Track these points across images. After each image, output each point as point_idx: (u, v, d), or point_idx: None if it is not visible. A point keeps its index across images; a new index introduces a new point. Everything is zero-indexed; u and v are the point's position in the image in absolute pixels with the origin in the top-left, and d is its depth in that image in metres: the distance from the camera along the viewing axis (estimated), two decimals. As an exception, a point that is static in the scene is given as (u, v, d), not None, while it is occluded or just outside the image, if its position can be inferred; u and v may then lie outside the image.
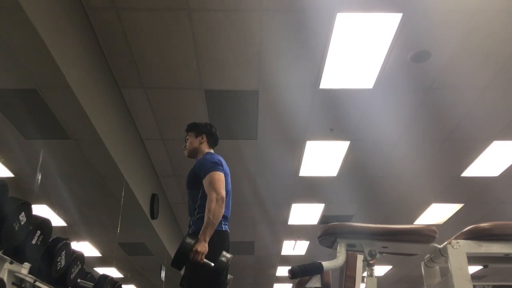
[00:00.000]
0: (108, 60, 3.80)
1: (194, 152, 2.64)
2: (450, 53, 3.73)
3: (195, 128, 2.69)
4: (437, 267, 1.96)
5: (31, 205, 2.74)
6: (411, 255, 1.92)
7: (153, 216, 5.52)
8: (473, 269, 1.93)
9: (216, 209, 2.26)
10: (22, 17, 2.55)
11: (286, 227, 7.55)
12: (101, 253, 7.94)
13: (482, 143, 5.05)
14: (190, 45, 3.62)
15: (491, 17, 3.36)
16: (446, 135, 4.91)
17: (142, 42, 3.60)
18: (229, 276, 2.49)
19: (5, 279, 2.63)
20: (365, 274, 1.77)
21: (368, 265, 1.77)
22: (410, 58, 3.77)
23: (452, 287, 1.60)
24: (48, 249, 3.06)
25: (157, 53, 3.71)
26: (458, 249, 1.66)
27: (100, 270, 6.52)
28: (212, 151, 2.67)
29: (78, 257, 3.53)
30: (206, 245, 2.18)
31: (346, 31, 3.47)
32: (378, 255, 1.78)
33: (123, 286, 4.93)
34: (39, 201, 5.69)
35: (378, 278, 1.78)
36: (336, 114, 4.55)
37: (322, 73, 3.94)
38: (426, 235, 1.78)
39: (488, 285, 1.77)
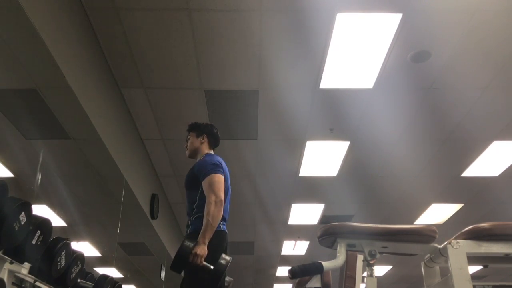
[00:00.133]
0: (108, 60, 3.80)
1: (195, 152, 2.65)
2: (450, 53, 3.73)
3: (197, 128, 2.70)
4: (437, 267, 1.96)
5: (31, 205, 2.74)
6: (411, 255, 1.92)
7: (153, 216, 5.52)
8: (473, 269, 1.93)
9: (215, 211, 2.26)
10: (22, 17, 2.55)
11: (286, 227, 7.55)
12: (101, 253, 7.94)
13: (482, 143, 5.05)
14: (190, 45, 3.62)
15: (491, 17, 3.36)
16: (446, 135, 4.91)
17: (142, 42, 3.60)
18: (228, 279, 2.49)
19: (5, 279, 2.63)
20: (365, 274, 1.77)
21: (368, 265, 1.77)
22: (410, 58, 3.77)
23: (452, 287, 1.60)
24: (48, 249, 3.06)
25: (157, 53, 3.71)
26: (458, 249, 1.66)
27: (100, 270, 6.51)
28: (212, 152, 2.67)
29: (78, 257, 3.53)
30: (206, 248, 2.18)
31: (346, 31, 3.47)
32: (378, 255, 1.78)
33: (123, 286, 4.93)
34: (39, 201, 5.68)
35: (378, 278, 1.78)
36: (336, 114, 4.55)
37: (322, 73, 3.94)
38: (426, 235, 1.78)
39: (488, 285, 1.77)
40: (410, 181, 5.97)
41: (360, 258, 1.76)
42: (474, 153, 5.25)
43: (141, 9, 3.28)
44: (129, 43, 3.60)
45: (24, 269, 2.88)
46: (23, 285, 2.89)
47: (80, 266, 3.57)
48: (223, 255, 2.25)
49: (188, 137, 2.70)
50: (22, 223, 2.64)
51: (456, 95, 4.25)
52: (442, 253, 1.74)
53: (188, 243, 2.18)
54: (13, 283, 2.78)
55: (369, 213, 7.02)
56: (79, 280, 3.66)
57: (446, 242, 1.70)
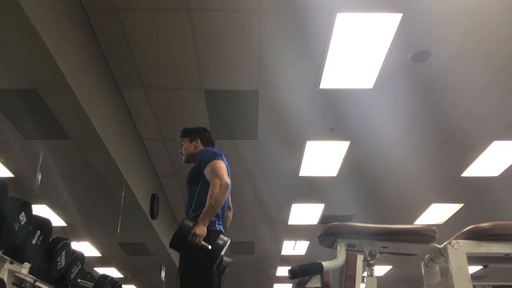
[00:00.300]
0: (108, 60, 3.80)
1: (191, 157, 2.66)
2: (450, 53, 3.73)
3: (189, 133, 2.71)
4: (437, 267, 1.96)
5: (31, 205, 2.74)
6: (411, 255, 1.92)
7: (153, 216, 5.53)
8: (473, 269, 1.93)
9: (219, 193, 2.25)
10: (22, 17, 2.55)
11: (286, 227, 7.55)
12: (101, 253, 7.94)
13: (482, 143, 5.05)
14: (190, 45, 3.62)
15: (491, 17, 3.36)
16: (446, 135, 4.91)
17: (142, 42, 3.60)
18: (227, 259, 2.49)
19: (5, 279, 2.63)
20: (365, 274, 1.77)
21: (368, 265, 1.76)
22: (410, 58, 3.77)
23: (452, 287, 1.60)
24: (48, 249, 3.06)
25: (157, 53, 3.71)
26: (458, 249, 1.65)
27: (100, 270, 6.51)
28: None
29: (78, 257, 3.53)
30: (205, 228, 2.19)
31: (346, 31, 3.47)
32: (378, 255, 1.78)
33: (123, 286, 4.93)
34: (39, 201, 5.68)
35: (378, 278, 1.78)
36: (336, 114, 4.55)
37: (322, 73, 3.94)
38: (426, 235, 1.78)
39: (488, 285, 1.77)
40: (410, 181, 5.97)
41: (360, 258, 1.76)
42: (474, 153, 5.25)
43: (141, 9, 3.28)
44: (129, 43, 3.60)
45: (24, 269, 2.88)
46: (23, 285, 2.89)
47: (80, 266, 3.57)
48: (221, 236, 2.26)
49: (182, 143, 2.72)
50: (22, 223, 2.64)
51: (456, 95, 4.25)
52: (442, 253, 1.74)
53: (188, 223, 2.19)
54: (13, 283, 2.78)
55: (369, 213, 7.02)
56: (79, 280, 3.65)
57: (446, 242, 1.70)
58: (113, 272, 8.21)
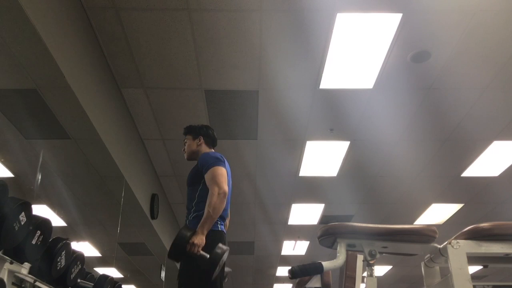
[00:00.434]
0: (108, 60, 3.80)
1: (193, 155, 2.65)
2: (450, 53, 3.73)
3: (192, 131, 2.71)
4: (437, 267, 1.96)
5: (31, 205, 2.73)
6: (411, 255, 1.92)
7: (153, 216, 5.53)
8: (473, 269, 1.93)
9: (217, 203, 2.25)
10: (22, 17, 2.55)
11: (286, 227, 7.55)
12: (101, 253, 7.94)
13: (482, 143, 5.06)
14: (190, 45, 3.62)
15: (491, 17, 3.36)
16: (446, 135, 4.91)
17: (142, 42, 3.60)
18: (226, 269, 2.49)
19: (5, 279, 2.63)
20: (365, 274, 1.77)
21: (368, 265, 1.76)
22: (410, 58, 3.77)
23: (452, 287, 1.60)
24: (48, 249, 3.06)
25: (157, 53, 3.71)
26: (458, 249, 1.65)
27: (100, 270, 6.51)
28: (213, 150, 2.68)
29: (78, 257, 3.53)
30: (204, 237, 2.18)
31: (346, 31, 3.47)
32: (378, 255, 1.78)
33: (123, 286, 4.93)
34: (39, 201, 5.68)
35: (378, 278, 1.78)
36: (336, 114, 4.55)
37: (322, 73, 3.94)
38: (426, 235, 1.78)
39: (488, 285, 1.77)
40: (410, 181, 5.97)
41: (360, 258, 1.76)
42: (474, 153, 5.26)
43: (141, 9, 3.28)
44: (129, 43, 3.60)
45: (24, 269, 2.88)
46: (23, 285, 2.89)
47: (80, 266, 3.57)
48: (220, 245, 2.25)
49: (185, 140, 2.71)
50: (22, 223, 2.64)
51: (456, 95, 4.25)
52: (442, 253, 1.74)
53: (186, 232, 2.18)
54: (13, 283, 2.78)
55: (369, 213, 7.02)
56: (79, 280, 3.65)
57: (446, 242, 1.70)
58: (113, 272, 8.21)
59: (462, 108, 4.44)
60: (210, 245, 2.22)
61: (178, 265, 2.35)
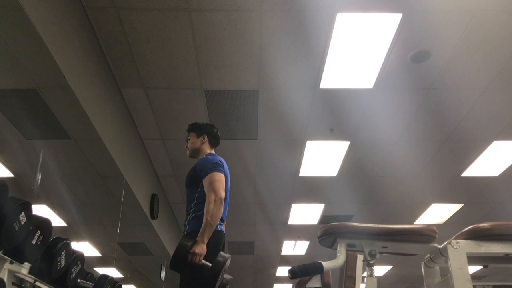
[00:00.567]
0: (108, 60, 3.80)
1: (196, 152, 2.65)
2: (450, 53, 3.73)
3: (197, 128, 2.70)
4: (437, 267, 1.96)
5: (31, 205, 2.73)
6: (411, 255, 1.92)
7: (153, 216, 5.52)
8: (473, 269, 1.93)
9: (214, 210, 2.25)
10: (22, 17, 2.55)
11: (286, 227, 7.55)
12: (101, 253, 7.94)
13: (482, 143, 5.06)
14: (190, 45, 3.62)
15: (491, 17, 3.36)
16: (446, 135, 4.91)
17: (142, 42, 3.60)
18: (227, 277, 2.49)
19: (5, 279, 2.63)
20: (365, 274, 1.77)
21: (368, 265, 1.76)
22: (410, 58, 3.77)
23: (452, 287, 1.60)
24: (48, 249, 3.06)
25: (157, 53, 3.71)
26: (458, 249, 1.66)
27: (100, 270, 6.51)
28: (213, 151, 2.67)
29: (78, 257, 3.53)
30: (204, 246, 2.17)
31: (346, 31, 3.47)
32: (378, 255, 1.78)
33: (123, 286, 4.92)
34: (39, 201, 5.68)
35: (378, 278, 1.78)
36: (336, 114, 4.55)
37: (322, 73, 3.94)
38: (426, 235, 1.78)
39: (488, 285, 1.77)
40: (410, 181, 5.97)
41: (360, 258, 1.76)
42: (474, 153, 5.26)
43: (141, 9, 3.28)
44: (129, 43, 3.60)
45: (24, 269, 2.88)
46: (23, 285, 2.89)
47: (80, 266, 3.57)
48: (221, 253, 2.24)
49: (188, 137, 2.70)
50: (22, 223, 2.64)
51: (456, 95, 4.25)
52: (442, 253, 1.74)
53: (186, 242, 2.17)
54: (13, 283, 2.78)
55: (369, 213, 7.02)
56: (79, 280, 3.65)
57: (446, 242, 1.70)
58: (113, 272, 8.21)
59: (462, 108, 4.44)
60: (211, 246, 2.22)
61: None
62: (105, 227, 6.76)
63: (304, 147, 5.16)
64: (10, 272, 2.72)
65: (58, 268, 3.19)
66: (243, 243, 8.12)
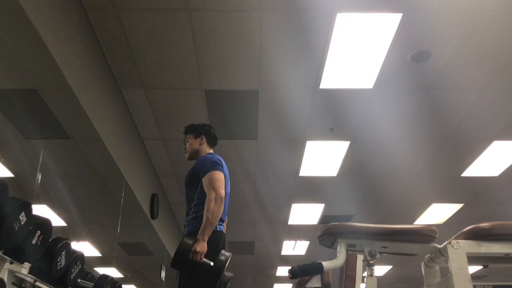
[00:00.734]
0: (108, 60, 3.80)
1: (195, 154, 2.64)
2: (450, 53, 3.73)
3: (194, 130, 2.69)
4: (437, 267, 1.96)
5: (31, 205, 2.74)
6: (411, 255, 1.92)
7: (153, 216, 5.52)
8: (473, 269, 1.93)
9: (215, 208, 2.25)
10: (22, 17, 2.55)
11: (286, 227, 7.55)
12: (101, 253, 7.94)
13: (482, 143, 5.06)
14: (190, 45, 3.62)
15: (491, 17, 3.36)
16: (446, 135, 4.91)
17: (142, 42, 3.60)
18: (229, 274, 2.49)
19: (5, 279, 2.63)
20: (365, 274, 1.77)
21: (368, 265, 1.77)
22: (410, 58, 3.77)
23: (452, 287, 1.60)
24: (48, 249, 3.06)
25: (157, 53, 3.71)
26: (458, 249, 1.66)
27: (100, 270, 6.51)
28: (212, 151, 2.67)
29: (78, 257, 3.53)
30: (205, 244, 2.17)
31: (346, 31, 3.47)
32: (378, 255, 1.78)
33: (123, 286, 4.93)
34: (39, 201, 5.68)
35: (378, 278, 1.78)
36: (336, 114, 4.55)
37: (322, 73, 3.94)
38: (426, 235, 1.78)
39: (488, 285, 1.77)
40: (410, 181, 5.97)
41: (360, 258, 1.76)
42: (474, 153, 5.26)
43: (141, 9, 3.28)
44: (129, 43, 3.60)
45: (24, 269, 2.88)
46: (23, 285, 2.89)
47: (80, 266, 3.57)
48: (223, 251, 2.25)
49: (186, 139, 2.69)
50: (22, 223, 2.64)
51: (456, 95, 4.25)
52: (442, 253, 1.74)
53: (188, 241, 2.18)
54: (13, 283, 2.78)
55: (369, 213, 7.03)
56: (79, 280, 3.66)
57: (446, 242, 1.70)
58: (113, 272, 8.21)
59: (462, 108, 4.44)
60: (211, 246, 2.22)
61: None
62: (105, 227, 6.76)
63: (304, 147, 5.16)
64: (10, 272, 2.73)
65: (58, 268, 3.19)
66: (243, 243, 8.12)
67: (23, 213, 2.64)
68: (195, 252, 2.14)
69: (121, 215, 5.18)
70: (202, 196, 2.36)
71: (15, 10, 2.51)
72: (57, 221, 6.40)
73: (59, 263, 3.19)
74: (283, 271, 9.73)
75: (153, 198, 5.55)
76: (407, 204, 6.69)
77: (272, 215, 7.05)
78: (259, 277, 10.28)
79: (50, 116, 3.66)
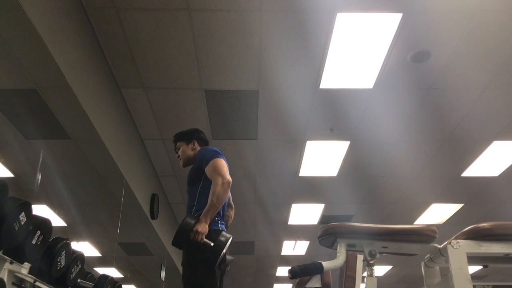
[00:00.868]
0: (108, 60, 3.80)
1: (189, 160, 2.63)
2: (450, 53, 3.73)
3: (184, 137, 2.68)
4: (437, 267, 1.96)
5: (31, 205, 2.73)
6: (411, 255, 1.92)
7: (153, 216, 5.52)
8: (473, 269, 1.93)
9: (221, 191, 2.24)
10: (22, 17, 2.55)
11: (286, 227, 7.55)
12: (101, 253, 7.94)
13: (482, 143, 5.06)
14: (190, 45, 3.62)
15: (491, 17, 3.36)
16: (446, 135, 4.91)
17: (142, 42, 3.60)
18: (229, 257, 2.49)
19: (5, 279, 2.63)
20: (365, 274, 1.77)
21: (368, 265, 1.76)
22: (410, 58, 3.77)
23: (452, 287, 1.60)
24: (48, 249, 3.06)
25: (157, 53, 3.71)
26: (458, 249, 1.65)
27: (100, 270, 6.52)
28: None
29: (78, 257, 3.53)
30: (207, 226, 2.18)
31: (346, 31, 3.47)
32: (378, 255, 1.78)
33: (123, 286, 4.92)
34: (39, 201, 5.68)
35: (378, 278, 1.78)
36: (336, 114, 4.55)
37: (322, 73, 3.94)
38: (426, 235, 1.78)
39: (488, 285, 1.77)
40: (410, 181, 5.97)
41: (360, 258, 1.76)
42: (474, 153, 5.26)
43: (141, 9, 3.28)
44: (129, 43, 3.60)
45: (24, 269, 2.88)
46: (23, 285, 2.89)
47: (80, 266, 3.57)
48: (223, 232, 2.25)
49: (177, 147, 2.69)
50: (22, 223, 2.64)
51: (456, 95, 4.25)
52: (442, 253, 1.74)
53: (189, 220, 2.19)
54: (13, 283, 2.78)
55: (369, 213, 7.02)
56: (79, 280, 3.65)
57: (446, 242, 1.70)
58: (113, 272, 8.21)
59: (462, 108, 4.44)
60: (212, 246, 2.22)
61: (177, 264, 2.35)
62: (105, 227, 6.76)
63: (304, 147, 5.16)
64: (10, 272, 2.72)
65: (58, 268, 3.19)
66: (243, 243, 8.12)
67: (23, 213, 2.64)
68: (197, 232, 2.14)
69: (121, 215, 5.18)
70: (205, 192, 2.35)
71: (15, 10, 2.51)
72: (57, 221, 6.40)
73: (59, 263, 3.19)
74: (283, 271, 9.73)
75: (153, 198, 5.55)
76: (407, 204, 6.69)
77: (272, 215, 7.05)
78: (259, 277, 10.28)
79: (50, 116, 3.66)
